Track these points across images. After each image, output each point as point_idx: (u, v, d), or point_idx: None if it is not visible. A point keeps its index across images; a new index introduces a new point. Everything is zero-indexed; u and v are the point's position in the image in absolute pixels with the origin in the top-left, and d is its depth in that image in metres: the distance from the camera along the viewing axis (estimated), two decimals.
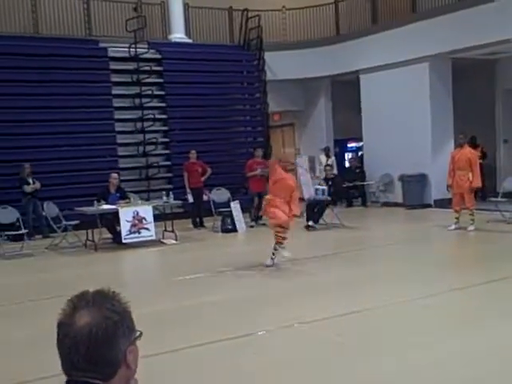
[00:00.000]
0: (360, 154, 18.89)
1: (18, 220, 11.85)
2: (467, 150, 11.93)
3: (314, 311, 6.62)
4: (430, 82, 15.57)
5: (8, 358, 5.60)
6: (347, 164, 19.38)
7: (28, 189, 13.02)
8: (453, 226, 11.86)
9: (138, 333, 1.61)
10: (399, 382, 4.72)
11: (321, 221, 13.21)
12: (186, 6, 17.36)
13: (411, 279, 8.05)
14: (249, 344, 5.74)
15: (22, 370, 5.23)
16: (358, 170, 17.62)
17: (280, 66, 17.90)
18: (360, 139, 18.45)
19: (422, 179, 15.83)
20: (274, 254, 9.29)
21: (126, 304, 1.60)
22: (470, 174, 11.67)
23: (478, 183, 11.82)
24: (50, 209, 12.42)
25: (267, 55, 17.72)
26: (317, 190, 13.47)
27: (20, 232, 11.67)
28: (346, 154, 19.75)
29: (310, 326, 6.16)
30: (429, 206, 15.80)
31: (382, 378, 4.79)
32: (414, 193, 15.89)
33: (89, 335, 1.48)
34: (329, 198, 13.14)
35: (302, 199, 14.91)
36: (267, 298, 7.60)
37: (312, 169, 17.39)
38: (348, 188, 16.47)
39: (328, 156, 17.48)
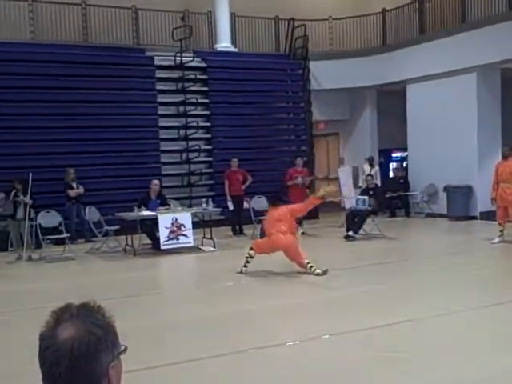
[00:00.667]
0: (405, 164, 18.65)
1: (60, 224, 12.11)
2: (511, 163, 11.63)
3: (349, 323, 6.54)
4: (478, 93, 15.25)
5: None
6: (391, 174, 19.13)
7: (72, 193, 13.32)
8: (496, 240, 11.57)
9: (122, 347, 1.58)
10: None
11: (361, 231, 13.07)
12: (233, 16, 17.51)
13: (451, 292, 7.88)
14: (278, 355, 5.69)
15: None
16: (402, 181, 17.38)
17: (325, 75, 17.87)
18: (405, 149, 18.22)
19: (467, 191, 15.50)
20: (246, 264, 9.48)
21: (110, 318, 1.58)
22: None
23: None
24: (92, 213, 12.67)
25: (312, 64, 17.71)
26: (358, 200, 13.33)
27: (62, 236, 11.92)
28: (390, 164, 19.49)
29: (342, 337, 6.09)
30: (474, 218, 15.45)
31: None
32: (459, 204, 15.56)
33: (71, 349, 1.46)
34: (369, 208, 12.98)
35: (343, 209, 14.87)
36: (301, 309, 7.57)
37: (355, 179, 17.27)
38: (391, 198, 16.26)
39: (371, 165, 17.28)
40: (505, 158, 11.84)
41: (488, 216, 15.15)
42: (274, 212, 9.53)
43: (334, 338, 6.06)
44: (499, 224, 11.64)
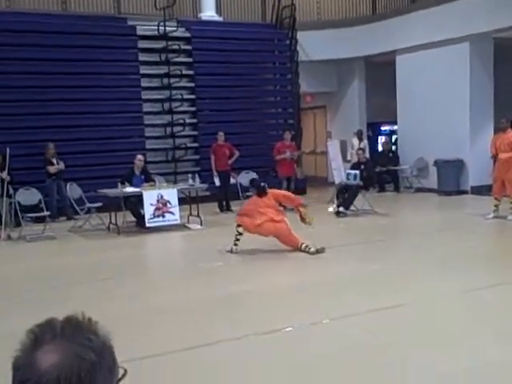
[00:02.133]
0: (394, 137, 18.29)
1: (40, 201, 11.62)
2: (510, 135, 11.30)
3: (345, 306, 6.21)
4: (471, 63, 14.84)
5: None
6: (380, 148, 18.77)
7: (52, 169, 12.80)
8: (491, 215, 11.24)
9: (121, 372, 1.22)
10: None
11: (351, 207, 12.72)
12: None
13: (447, 273, 7.54)
14: (274, 341, 5.34)
15: None
16: (391, 154, 17.03)
17: (313, 45, 17.35)
18: (394, 122, 17.83)
19: (458, 164, 15.18)
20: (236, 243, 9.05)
21: (105, 337, 1.19)
22: None
23: None
24: (73, 190, 12.17)
25: (300, 35, 17.16)
26: (348, 174, 12.94)
27: (42, 214, 11.43)
28: (379, 138, 19.13)
29: (340, 322, 5.74)
30: (465, 192, 15.17)
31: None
32: (450, 179, 15.25)
33: (57, 380, 1.08)
34: (360, 183, 12.62)
35: (331, 184, 14.51)
36: (294, 291, 7.22)
37: (343, 153, 16.86)
38: (380, 173, 15.91)
39: (360, 139, 16.91)
40: (502, 130, 11.51)
41: (479, 191, 14.92)
42: (260, 200, 9.08)
43: (334, 323, 5.72)
44: (495, 199, 11.33)
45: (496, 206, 11.25)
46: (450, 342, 5.09)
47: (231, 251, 8.99)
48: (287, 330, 5.59)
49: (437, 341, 5.12)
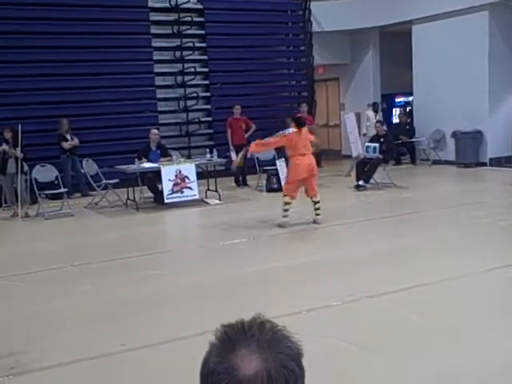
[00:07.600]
0: (408, 109, 17.99)
1: (56, 178, 11.44)
2: None
3: (372, 284, 6.02)
4: (490, 33, 14.47)
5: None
6: (395, 120, 18.47)
7: (66, 145, 12.61)
8: None
9: None
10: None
11: (371, 180, 12.51)
12: None
13: (480, 248, 7.35)
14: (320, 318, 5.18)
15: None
16: (407, 127, 16.75)
17: (326, 16, 17.00)
18: (408, 94, 17.52)
19: (477, 136, 14.91)
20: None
21: (298, 343, 1.07)
22: None
23: None
24: (89, 166, 11.98)
25: (313, 5, 16.80)
26: (368, 147, 12.71)
27: (59, 191, 11.25)
28: (393, 110, 18.82)
29: (379, 299, 5.57)
30: (483, 164, 14.92)
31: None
32: (468, 150, 14.99)
33: None
34: (380, 156, 12.40)
35: (346, 157, 14.28)
36: (320, 268, 7.01)
37: (358, 125, 16.58)
38: (397, 145, 15.65)
39: (376, 112, 16.63)
40: None
41: (498, 162, 14.71)
42: (301, 134, 8.81)
43: (371, 300, 5.56)
44: None
45: None
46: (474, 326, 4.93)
47: (281, 225, 8.91)
48: (333, 304, 5.46)
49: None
